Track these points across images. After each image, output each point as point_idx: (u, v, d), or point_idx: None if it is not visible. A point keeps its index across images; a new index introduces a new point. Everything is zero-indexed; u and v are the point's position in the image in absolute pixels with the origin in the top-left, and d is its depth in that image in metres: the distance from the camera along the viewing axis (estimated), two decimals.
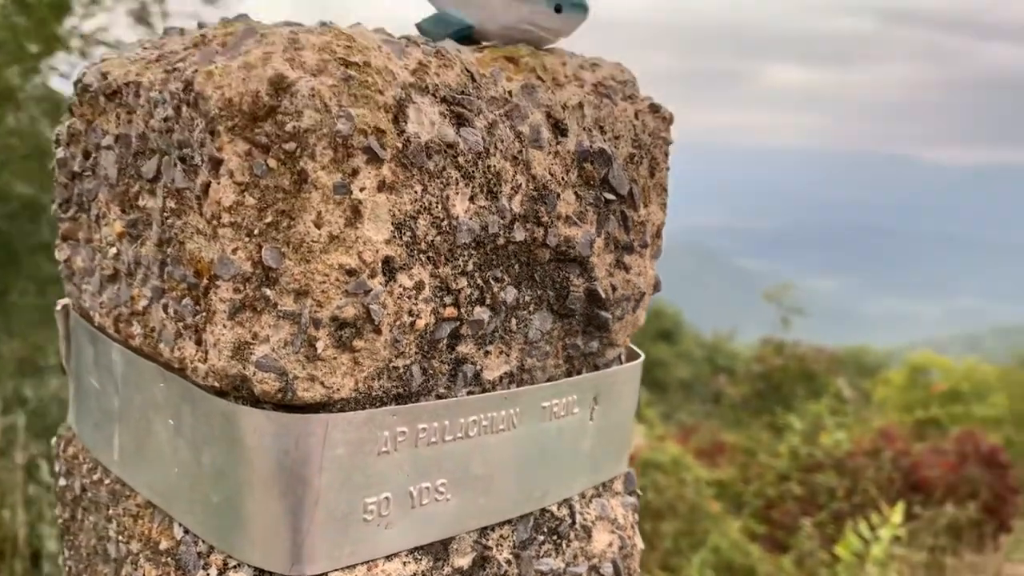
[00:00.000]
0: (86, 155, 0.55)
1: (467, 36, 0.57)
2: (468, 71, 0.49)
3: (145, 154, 0.49)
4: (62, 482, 0.63)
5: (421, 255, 0.47)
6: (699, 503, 5.82)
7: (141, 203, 0.50)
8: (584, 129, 0.54)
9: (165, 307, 0.48)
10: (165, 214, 0.47)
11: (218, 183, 0.43)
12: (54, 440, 0.65)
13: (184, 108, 0.45)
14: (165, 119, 0.46)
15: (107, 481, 0.57)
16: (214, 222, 0.44)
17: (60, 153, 0.58)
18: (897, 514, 5.28)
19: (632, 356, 0.63)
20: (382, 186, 0.44)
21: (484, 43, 0.57)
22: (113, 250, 0.53)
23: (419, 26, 0.58)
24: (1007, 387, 9.79)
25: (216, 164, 0.43)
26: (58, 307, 0.63)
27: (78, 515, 0.61)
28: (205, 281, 0.45)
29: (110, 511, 0.57)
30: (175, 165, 0.46)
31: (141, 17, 6.74)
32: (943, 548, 5.76)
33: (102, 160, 0.53)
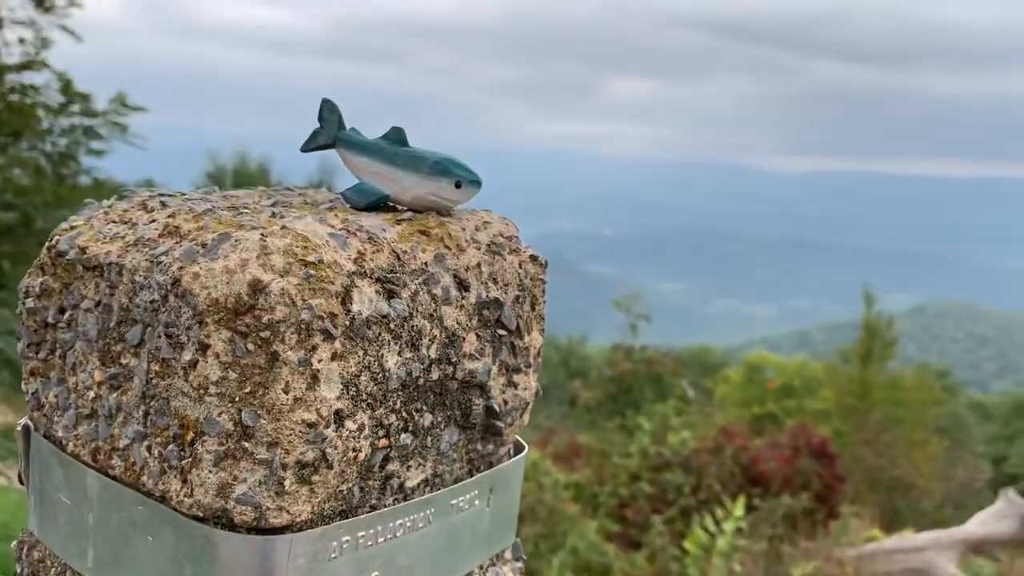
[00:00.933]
0: (61, 311, 0.64)
1: (383, 203, 0.70)
2: (395, 252, 0.62)
3: (128, 323, 0.60)
4: None
5: (363, 403, 0.59)
6: (557, 506, 6.06)
7: (124, 361, 0.60)
8: (482, 283, 0.68)
9: (149, 448, 0.59)
10: (150, 375, 0.58)
11: (206, 362, 0.55)
12: (14, 544, 0.73)
13: (172, 298, 0.56)
14: (151, 301, 0.57)
15: None
16: (200, 390, 0.55)
17: (30, 303, 0.67)
18: (739, 507, 5.70)
19: (519, 447, 0.78)
20: (334, 356, 0.57)
21: (398, 207, 0.70)
22: (91, 394, 0.63)
23: (343, 195, 0.70)
24: (833, 381, 10.67)
25: (204, 347, 0.55)
26: (18, 427, 0.71)
27: None
28: (192, 434, 0.56)
29: None
30: (160, 337, 0.57)
31: None
32: (780, 537, 6.25)
33: (81, 319, 0.63)
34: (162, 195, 0.68)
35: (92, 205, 0.69)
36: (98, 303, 0.61)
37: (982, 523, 6.16)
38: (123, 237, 0.62)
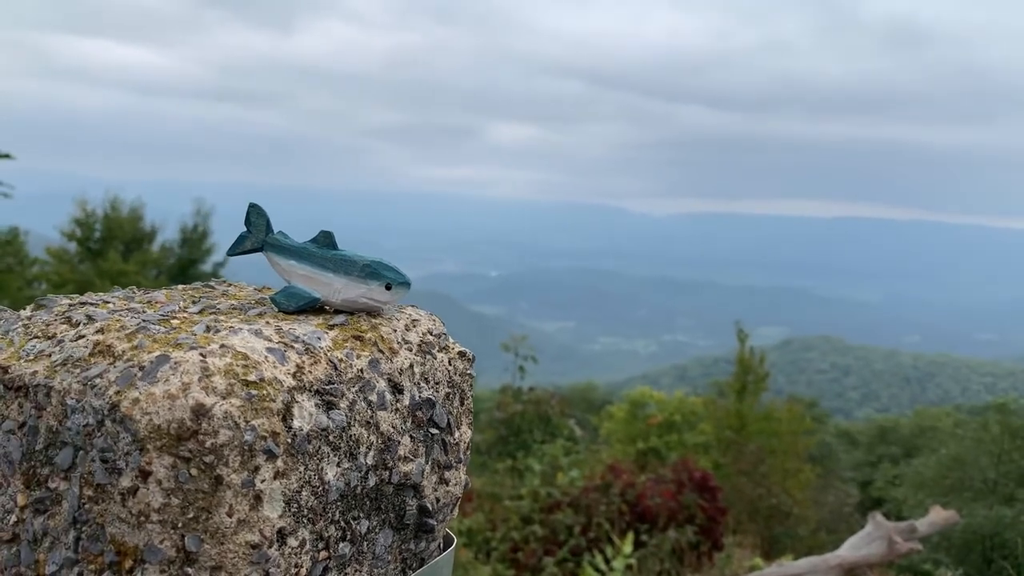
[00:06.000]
0: None
1: (314, 306, 0.70)
2: (331, 362, 0.63)
3: (56, 445, 0.58)
4: None
5: (304, 519, 0.59)
6: None
7: (51, 485, 0.58)
8: (415, 384, 0.69)
9: (80, 575, 0.57)
10: (82, 500, 0.56)
11: (147, 488, 0.54)
12: None
13: (109, 423, 0.55)
14: (85, 425, 0.56)
15: None
16: (141, 517, 0.54)
17: None
18: (627, 544, 5.80)
19: (448, 540, 0.79)
20: (277, 474, 0.57)
21: (327, 309, 0.71)
22: (12, 517, 0.60)
23: (273, 299, 0.70)
24: (711, 415, 11.03)
25: (145, 474, 0.54)
26: None
27: None
28: (131, 562, 0.55)
29: None
30: (94, 461, 0.56)
31: None
32: (668, 571, 6.37)
33: (1, 440, 0.60)
34: (84, 304, 0.66)
35: (7, 315, 0.67)
36: (22, 424, 0.59)
37: (854, 547, 6.46)
38: (48, 355, 0.60)
